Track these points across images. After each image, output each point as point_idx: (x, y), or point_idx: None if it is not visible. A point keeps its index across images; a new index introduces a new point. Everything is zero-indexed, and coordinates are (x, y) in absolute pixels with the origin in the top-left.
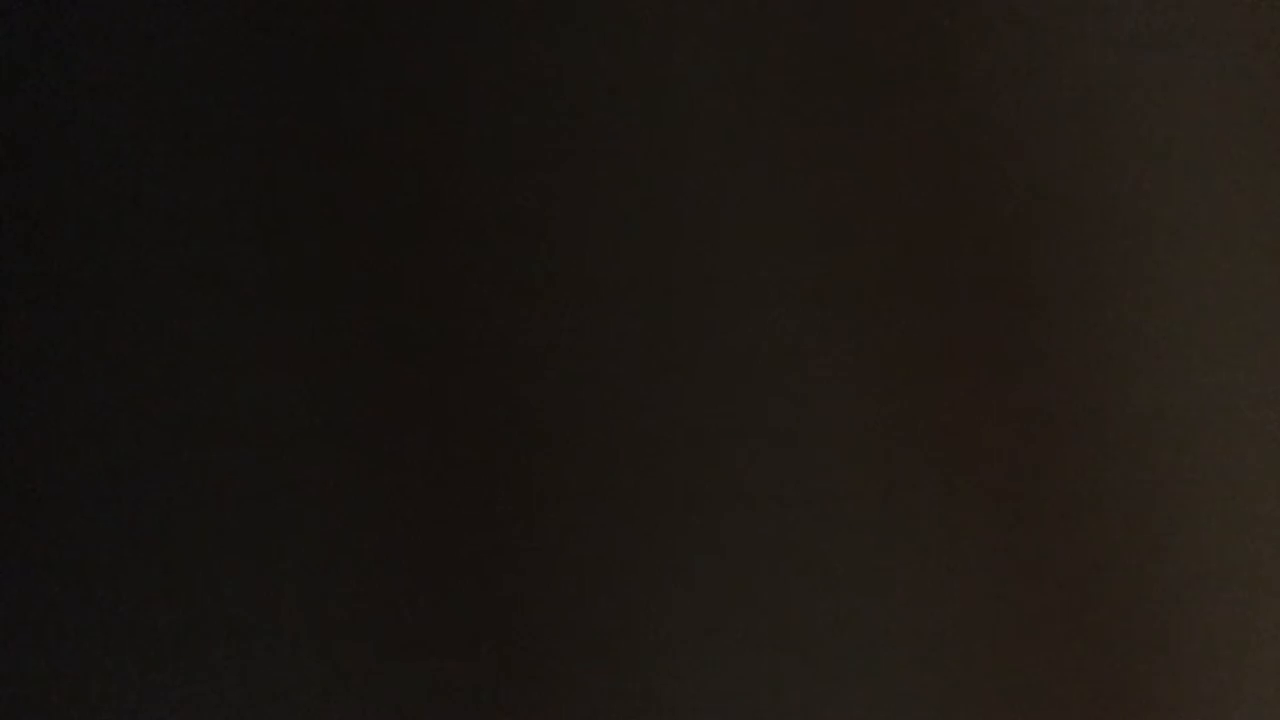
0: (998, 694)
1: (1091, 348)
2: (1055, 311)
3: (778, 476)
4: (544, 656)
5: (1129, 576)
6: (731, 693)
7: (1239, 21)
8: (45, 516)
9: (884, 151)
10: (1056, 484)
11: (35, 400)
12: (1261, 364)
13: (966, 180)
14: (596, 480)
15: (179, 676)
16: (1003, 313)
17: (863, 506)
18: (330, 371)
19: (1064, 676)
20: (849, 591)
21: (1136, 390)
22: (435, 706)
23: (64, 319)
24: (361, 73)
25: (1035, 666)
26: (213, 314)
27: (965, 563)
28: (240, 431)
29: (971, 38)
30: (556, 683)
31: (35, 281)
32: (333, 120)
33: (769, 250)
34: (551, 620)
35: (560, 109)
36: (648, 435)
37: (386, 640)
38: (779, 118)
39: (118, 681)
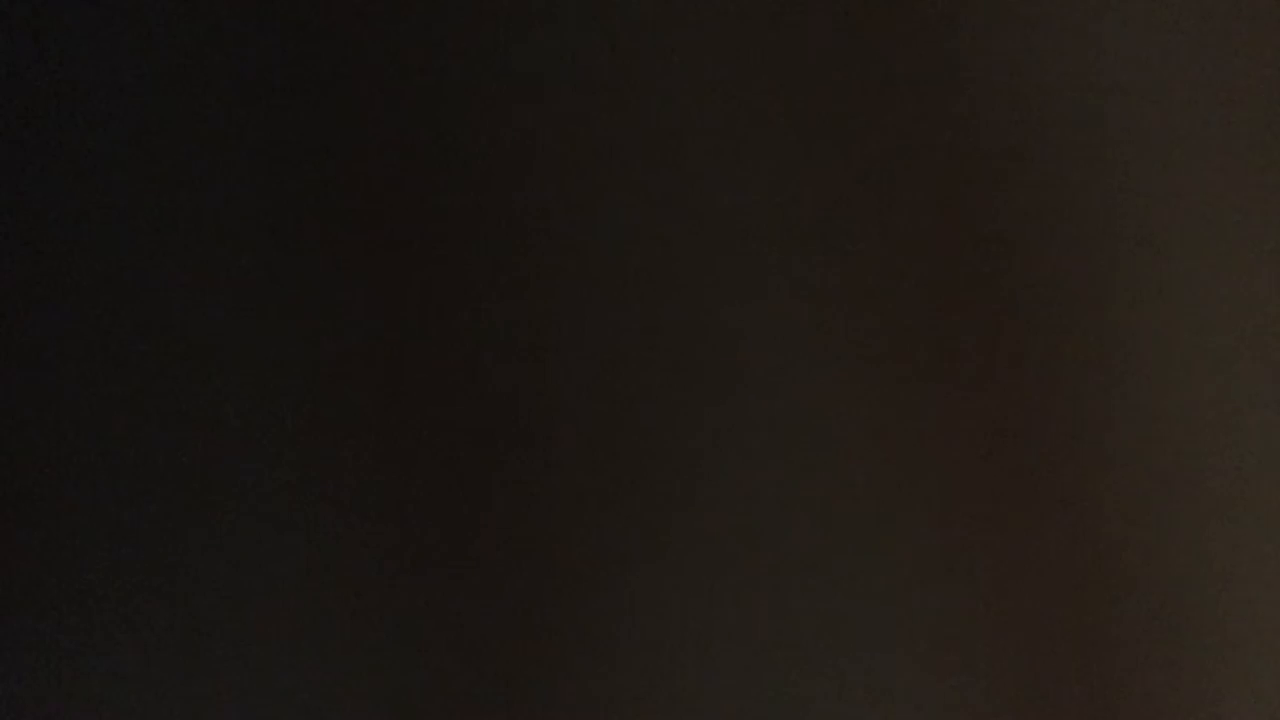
0: (998, 694)
1: (1092, 348)
2: (1055, 311)
3: (777, 476)
4: (544, 656)
5: (1128, 576)
6: (731, 692)
7: (1239, 21)
8: (45, 516)
9: (884, 151)
10: (1056, 484)
11: (35, 400)
12: (1261, 364)
13: (966, 180)
14: (597, 480)
15: (179, 676)
16: (1002, 313)
17: (862, 506)
18: (330, 371)
19: (1064, 676)
20: (849, 591)
21: (1136, 390)
22: (435, 706)
23: (64, 319)
24: (361, 73)
25: (1035, 666)
26: (213, 314)
27: (965, 563)
28: (240, 431)
29: (971, 38)
30: (557, 682)
31: (35, 281)
32: (333, 120)
33: (768, 250)
34: (552, 620)
35: (560, 109)
36: (647, 435)
37: (387, 640)
38: (778, 117)
39: (118, 681)
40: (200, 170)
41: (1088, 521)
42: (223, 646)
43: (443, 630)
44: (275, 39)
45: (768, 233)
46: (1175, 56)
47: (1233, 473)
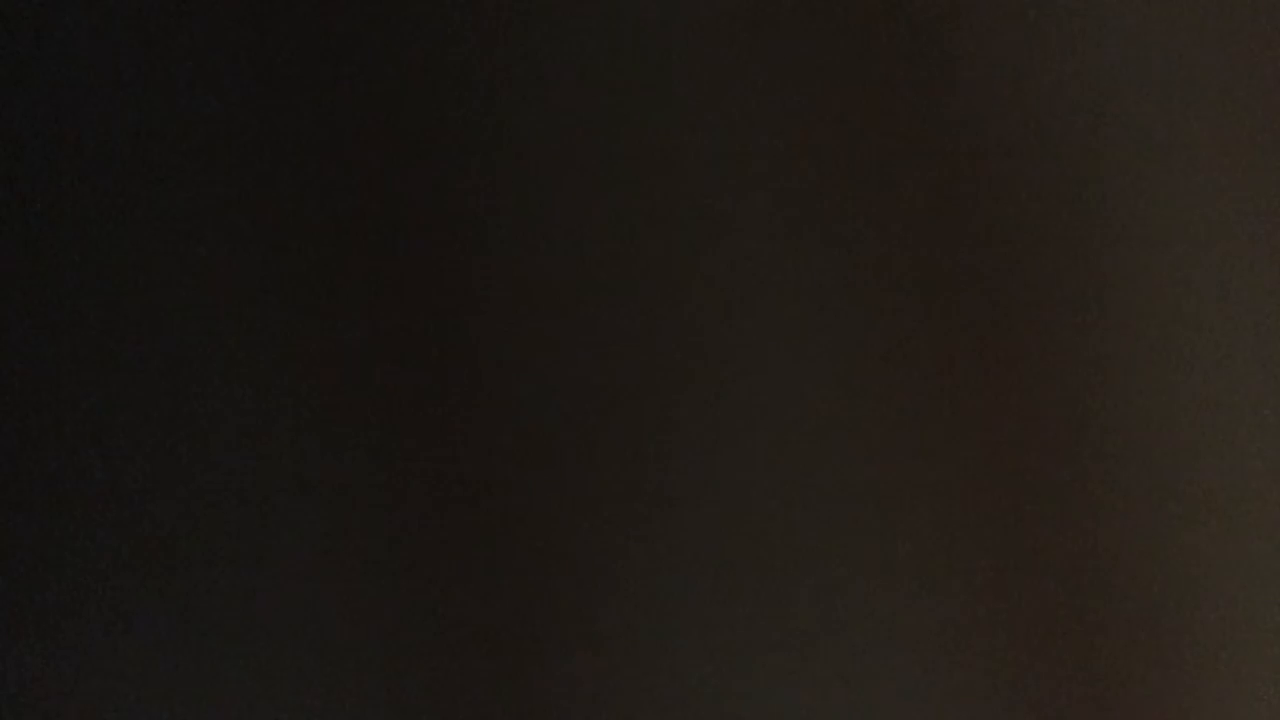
0: (998, 694)
1: (1091, 348)
2: (1055, 311)
3: (776, 477)
4: (544, 656)
5: (1129, 576)
6: (731, 692)
7: (1239, 21)
8: (45, 516)
9: (884, 151)
10: (1056, 484)
11: (35, 400)
12: (1262, 364)
13: (966, 179)
14: (596, 480)
15: (179, 676)
16: (1002, 312)
17: (862, 506)
18: (330, 371)
19: (1064, 676)
20: (849, 591)
21: (1136, 390)
22: (436, 706)
23: (64, 319)
24: (361, 73)
25: (1035, 666)
26: (212, 314)
27: (965, 562)
28: (240, 431)
29: (971, 38)
30: (556, 682)
31: (35, 281)
32: (332, 120)
33: (767, 250)
34: (552, 620)
35: (560, 109)
36: (647, 434)
37: (387, 640)
38: (777, 117)
39: (118, 681)
40: (200, 170)
41: (1087, 521)
42: (223, 646)
43: (443, 630)
44: (275, 39)
45: (767, 233)
46: (1175, 56)
47: (1233, 473)
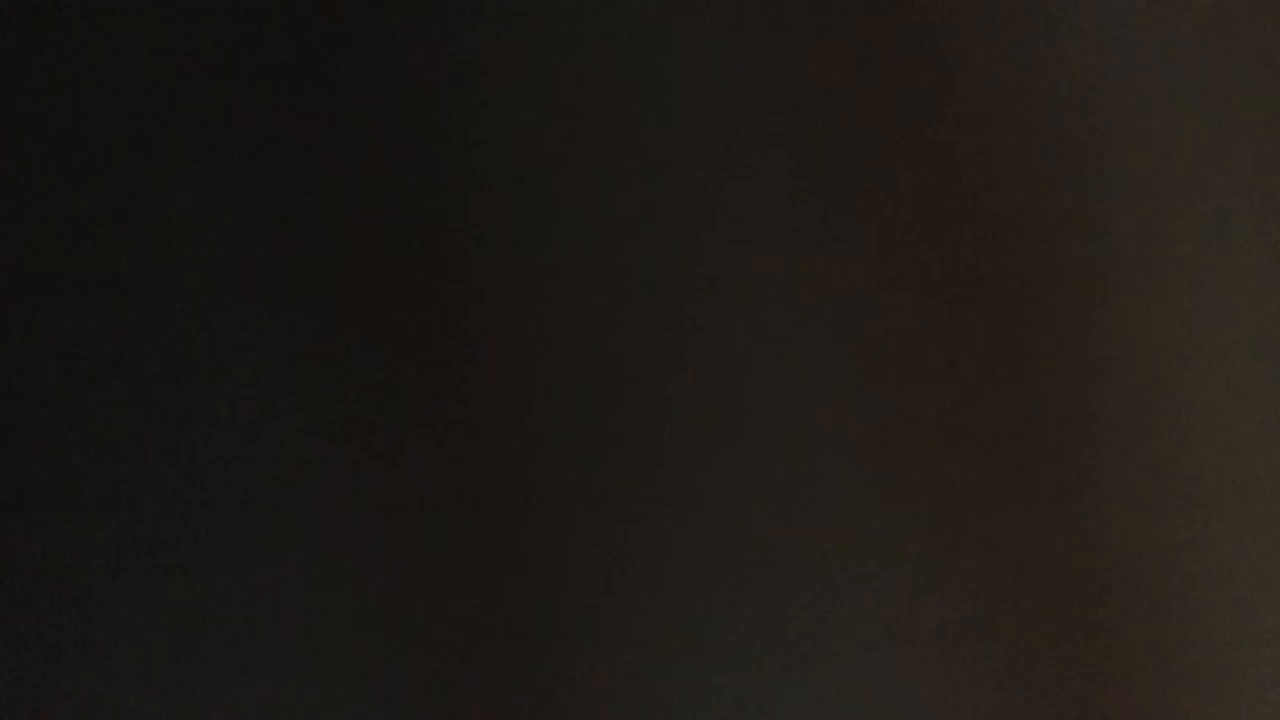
0: (998, 694)
1: (1090, 347)
2: (1054, 311)
3: (776, 476)
4: (544, 656)
5: (1129, 576)
6: (732, 693)
7: (1239, 21)
8: (45, 517)
9: (882, 150)
10: (1056, 483)
11: (35, 400)
12: (1262, 364)
13: (966, 179)
14: (596, 479)
15: (179, 676)
16: (1002, 312)
17: (862, 506)
18: (330, 371)
19: (1064, 676)
20: (849, 590)
21: (1136, 389)
22: (435, 706)
23: (64, 319)
24: (361, 73)
25: (1035, 666)
26: (213, 314)
27: (965, 562)
28: (240, 431)
29: (971, 38)
30: (557, 682)
31: (35, 281)
32: (333, 120)
33: (768, 250)
34: (553, 620)
35: (560, 109)
36: (647, 434)
37: (386, 640)
38: (777, 117)
39: (118, 681)
40: (200, 170)
41: (1087, 521)
42: (223, 646)
43: (443, 630)
44: (275, 39)
45: (769, 233)
46: (1175, 56)
47: (1233, 472)
